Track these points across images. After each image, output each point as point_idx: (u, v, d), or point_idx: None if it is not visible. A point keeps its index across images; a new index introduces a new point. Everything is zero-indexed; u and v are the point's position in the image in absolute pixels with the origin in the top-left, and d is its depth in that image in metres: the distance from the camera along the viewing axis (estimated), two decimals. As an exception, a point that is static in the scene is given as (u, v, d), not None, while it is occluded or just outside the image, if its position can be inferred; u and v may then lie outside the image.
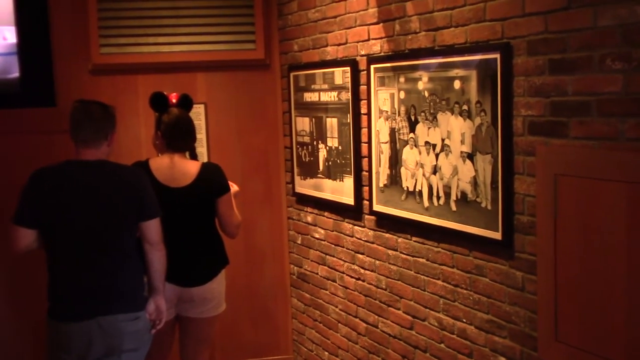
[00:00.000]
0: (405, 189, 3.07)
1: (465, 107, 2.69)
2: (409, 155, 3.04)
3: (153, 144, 3.32)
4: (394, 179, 3.14)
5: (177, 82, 3.89)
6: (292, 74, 3.95)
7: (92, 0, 3.78)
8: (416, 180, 3.00)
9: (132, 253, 2.87)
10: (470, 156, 2.69)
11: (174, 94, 3.27)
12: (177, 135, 3.18)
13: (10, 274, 3.85)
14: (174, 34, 3.92)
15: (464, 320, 2.80)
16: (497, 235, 2.58)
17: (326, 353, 3.88)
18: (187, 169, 3.19)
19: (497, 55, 2.51)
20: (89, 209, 2.76)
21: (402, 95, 3.05)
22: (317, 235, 3.88)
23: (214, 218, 3.27)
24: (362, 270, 3.46)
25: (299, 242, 4.10)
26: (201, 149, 3.93)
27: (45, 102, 3.84)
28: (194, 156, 3.33)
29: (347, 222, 3.58)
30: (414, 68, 2.96)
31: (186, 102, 3.28)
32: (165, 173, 3.15)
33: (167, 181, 3.14)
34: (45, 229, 2.78)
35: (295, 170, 4.02)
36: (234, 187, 3.30)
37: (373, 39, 3.23)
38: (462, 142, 2.72)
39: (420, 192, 2.98)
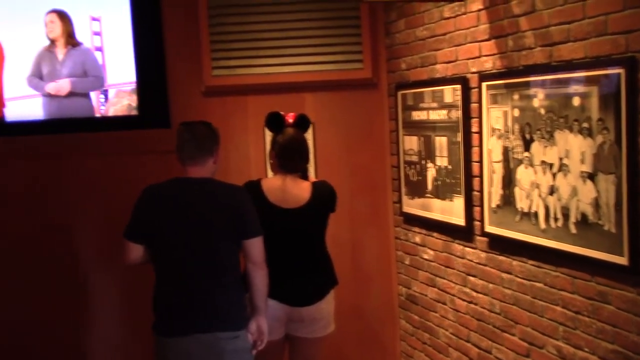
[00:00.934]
0: (520, 209, 2.96)
1: (585, 124, 2.56)
2: (523, 175, 2.93)
3: (270, 164, 3.37)
4: (508, 199, 3.03)
5: (285, 102, 3.92)
6: (399, 93, 3.92)
7: (204, 25, 3.90)
8: (531, 201, 2.88)
9: (232, 271, 2.92)
10: (592, 176, 2.55)
11: (291, 114, 3.30)
12: (290, 156, 3.21)
13: (125, 285, 4.00)
14: (282, 55, 3.97)
15: (586, 350, 2.65)
16: (622, 260, 2.43)
17: (435, 377, 3.79)
18: (299, 190, 3.21)
19: (621, 70, 2.37)
20: (189, 226, 2.85)
21: (516, 112, 2.94)
22: (426, 256, 3.81)
23: (325, 238, 3.27)
24: (474, 294, 3.36)
25: (407, 262, 4.03)
26: (309, 168, 3.95)
27: (161, 124, 3.98)
28: (305, 177, 3.34)
29: (457, 243, 3.48)
30: (529, 85, 2.85)
31: (303, 123, 3.30)
32: (277, 194, 3.18)
33: (278, 202, 3.16)
34: (151, 244, 2.91)
35: (403, 189, 3.97)
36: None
37: (484, 55, 3.15)
38: (582, 161, 2.59)
39: (536, 213, 2.86)
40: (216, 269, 2.86)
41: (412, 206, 3.88)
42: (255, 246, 2.91)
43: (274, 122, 3.27)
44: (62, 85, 3.94)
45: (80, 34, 3.94)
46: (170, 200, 2.88)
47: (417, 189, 3.80)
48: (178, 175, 2.96)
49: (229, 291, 2.89)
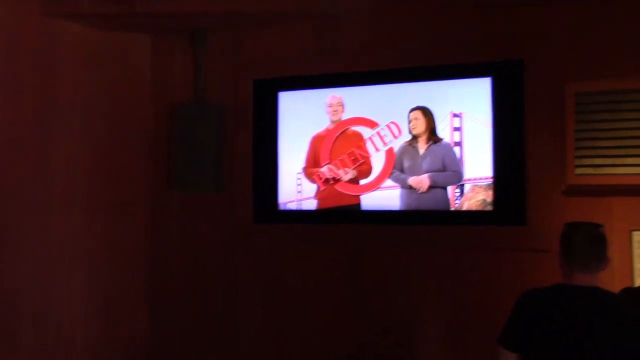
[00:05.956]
0: None
1: None
2: None
3: None
4: None
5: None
6: None
7: (570, 122, 3.74)
8: None
9: None
10: None
11: None
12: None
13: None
14: (657, 154, 3.63)
15: None
16: None
17: None
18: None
19: None
20: (574, 339, 2.60)
21: None
22: None
23: None
24: None
25: None
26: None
27: (516, 221, 3.87)
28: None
29: None
30: None
31: None
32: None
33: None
34: (531, 354, 2.70)
35: None
36: None
37: None
38: None
39: None
40: None
41: None
42: None
43: None
44: (423, 181, 4.08)
45: (441, 129, 4.07)
46: (554, 309, 2.68)
47: None
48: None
49: None
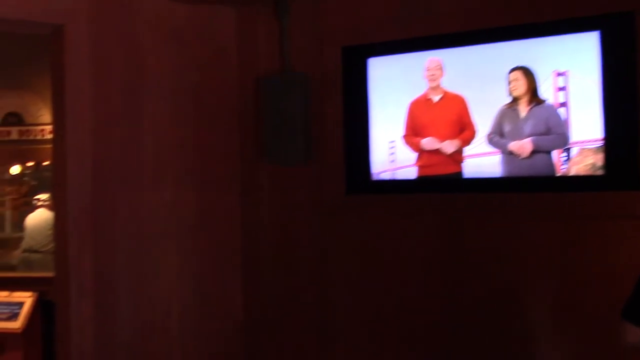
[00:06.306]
0: None
1: None
2: None
3: None
4: None
5: None
6: None
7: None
8: None
9: None
10: None
11: None
12: None
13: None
14: None
15: None
16: None
17: None
18: None
19: None
20: None
21: None
22: None
23: None
24: None
25: None
26: None
27: (630, 186, 3.60)
28: None
29: None
30: None
31: None
32: None
33: None
34: None
35: None
36: None
37: None
38: None
39: None
40: None
41: None
42: None
43: None
44: (524, 146, 3.84)
45: (544, 90, 3.81)
46: None
47: None
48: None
49: None
